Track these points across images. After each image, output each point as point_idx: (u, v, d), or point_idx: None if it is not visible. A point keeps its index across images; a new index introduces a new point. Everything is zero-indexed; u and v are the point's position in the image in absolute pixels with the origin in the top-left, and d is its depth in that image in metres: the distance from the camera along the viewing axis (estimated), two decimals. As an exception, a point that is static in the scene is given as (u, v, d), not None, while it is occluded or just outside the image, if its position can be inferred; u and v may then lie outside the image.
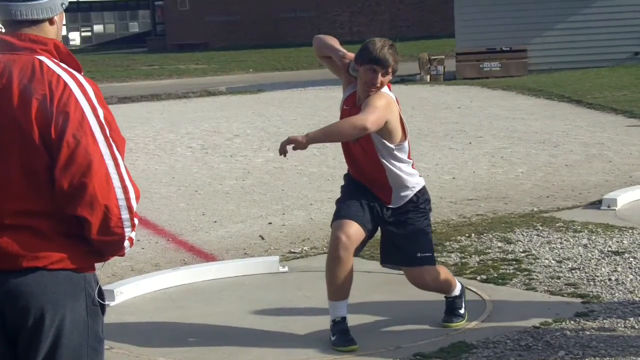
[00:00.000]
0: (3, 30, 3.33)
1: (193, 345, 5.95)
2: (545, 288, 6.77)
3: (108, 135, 3.21)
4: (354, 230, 5.72)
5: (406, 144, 5.91)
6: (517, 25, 25.16)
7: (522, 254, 7.68)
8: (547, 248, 7.82)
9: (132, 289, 7.06)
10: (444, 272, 6.10)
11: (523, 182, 11.08)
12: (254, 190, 11.26)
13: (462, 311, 6.13)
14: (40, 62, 3.21)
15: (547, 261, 7.43)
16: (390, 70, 5.74)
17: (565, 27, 25.25)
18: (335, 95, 21.91)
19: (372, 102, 5.66)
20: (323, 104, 20.59)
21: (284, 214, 9.95)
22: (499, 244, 8.04)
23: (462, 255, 7.77)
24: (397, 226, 5.89)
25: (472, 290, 6.76)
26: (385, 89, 5.83)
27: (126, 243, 3.30)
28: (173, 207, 10.55)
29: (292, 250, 8.42)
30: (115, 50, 55.12)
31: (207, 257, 8.43)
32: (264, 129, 16.73)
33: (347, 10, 48.73)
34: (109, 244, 3.26)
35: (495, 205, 9.86)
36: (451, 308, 6.14)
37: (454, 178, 11.48)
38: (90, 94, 3.22)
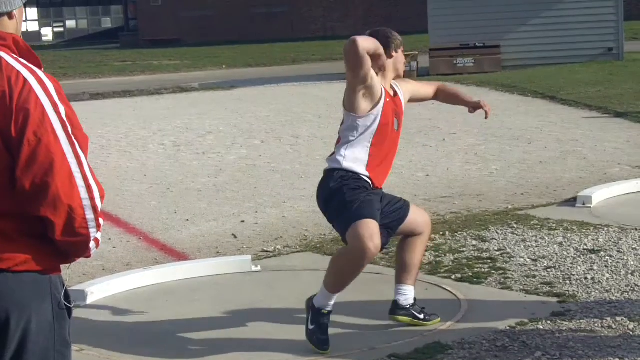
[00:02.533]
0: None
1: (164, 346, 5.85)
2: (521, 287, 6.70)
3: (70, 132, 3.11)
4: (379, 244, 5.58)
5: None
6: (491, 21, 25.14)
7: (497, 253, 7.62)
8: (522, 246, 7.76)
9: (102, 289, 6.95)
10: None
11: (497, 179, 11.03)
12: (227, 188, 11.16)
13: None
14: None
15: (522, 260, 7.38)
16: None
17: (539, 23, 25.24)
18: (307, 92, 21.86)
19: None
20: (296, 100, 20.48)
21: (256, 212, 9.85)
22: (474, 242, 7.97)
23: (437, 254, 7.70)
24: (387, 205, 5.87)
25: (447, 290, 6.70)
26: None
27: (92, 244, 3.20)
28: (145, 205, 10.43)
29: (265, 249, 8.33)
30: (88, 46, 54.82)
31: (179, 256, 8.33)
32: (236, 125, 16.61)
33: (320, 5, 48.68)
34: (74, 245, 3.16)
35: (470, 202, 9.81)
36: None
37: (427, 175, 11.43)
38: (51, 90, 3.11)
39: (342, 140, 5.89)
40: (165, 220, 9.65)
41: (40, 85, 3.09)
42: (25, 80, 3.08)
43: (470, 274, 7.07)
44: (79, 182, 3.09)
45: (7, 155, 3.04)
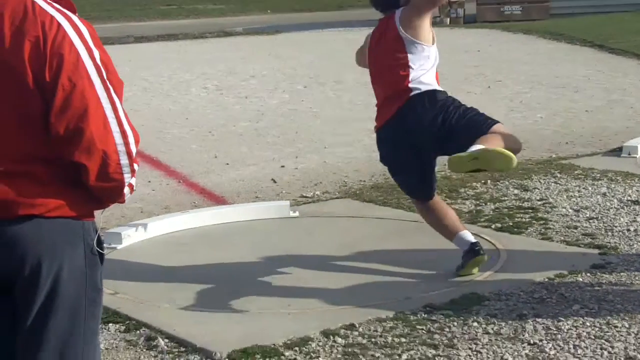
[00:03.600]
0: None
1: (199, 292, 5.81)
2: (562, 238, 6.60)
3: (105, 77, 3.05)
4: None
5: None
6: (540, -33, 24.75)
7: (539, 202, 7.50)
8: (565, 196, 7.64)
9: (140, 232, 6.93)
10: (432, 209, 6.09)
11: (542, 128, 10.87)
12: (268, 133, 11.09)
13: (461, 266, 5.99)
14: (33, 2, 3.04)
15: (564, 210, 7.26)
16: None
17: (589, -29, 24.83)
18: (352, 38, 21.65)
19: None
20: (340, 45, 20.29)
21: (297, 157, 9.79)
22: (516, 192, 7.86)
23: (477, 202, 7.60)
24: None
25: (486, 239, 6.59)
26: None
27: (126, 190, 3.15)
28: (185, 149, 10.40)
29: (304, 194, 8.27)
30: (134, -12, 54.70)
31: (218, 200, 8.29)
32: (279, 70, 16.51)
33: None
34: (108, 190, 3.11)
35: (513, 151, 9.65)
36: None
37: (471, 122, 11.26)
38: (86, 35, 3.05)
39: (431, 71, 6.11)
40: (206, 164, 9.61)
41: (75, 29, 3.03)
42: (59, 24, 3.01)
43: (511, 224, 6.97)
44: (114, 127, 3.04)
45: (42, 100, 3.00)
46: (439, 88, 6.00)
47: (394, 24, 5.92)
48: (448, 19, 25.12)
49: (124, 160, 3.06)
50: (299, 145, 10.35)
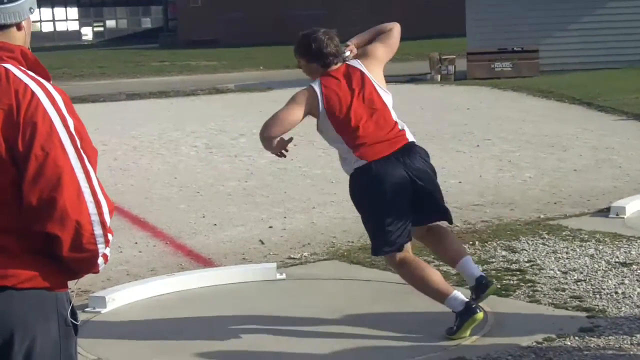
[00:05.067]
0: None
1: (182, 357, 5.76)
2: (550, 301, 6.55)
3: (79, 146, 3.02)
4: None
5: (324, 132, 6.09)
6: (529, 25, 24.93)
7: (527, 264, 7.47)
8: (553, 258, 7.61)
9: (124, 295, 6.88)
10: (422, 277, 5.92)
11: (530, 187, 10.86)
12: (256, 192, 11.07)
13: (454, 327, 5.88)
14: (6, 70, 3.02)
15: (552, 272, 7.22)
16: (299, 56, 6.11)
17: (578, 28, 25.01)
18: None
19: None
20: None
21: (285, 217, 9.76)
22: (503, 253, 7.83)
23: (465, 264, 7.55)
24: None
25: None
26: (313, 82, 6.02)
27: (100, 260, 3.11)
28: (173, 209, 10.37)
29: (292, 255, 8.23)
30: (128, 45, 55.06)
31: (205, 262, 8.25)
32: (270, 128, 16.50)
33: (357, 8, 48.55)
34: (82, 261, 3.07)
35: (501, 211, 9.65)
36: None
37: (460, 182, 11.28)
38: (60, 103, 3.03)
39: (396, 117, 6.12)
40: (193, 225, 9.57)
41: (49, 98, 3.02)
42: (32, 93, 3.00)
43: (499, 286, 6.91)
44: (87, 197, 3.01)
45: (14, 169, 2.97)
46: None
47: (368, 78, 6.01)
48: (439, 76, 25.24)
49: (98, 230, 3.03)
50: (287, 205, 10.32)
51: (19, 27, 3.14)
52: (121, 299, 6.82)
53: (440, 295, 5.92)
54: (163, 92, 24.50)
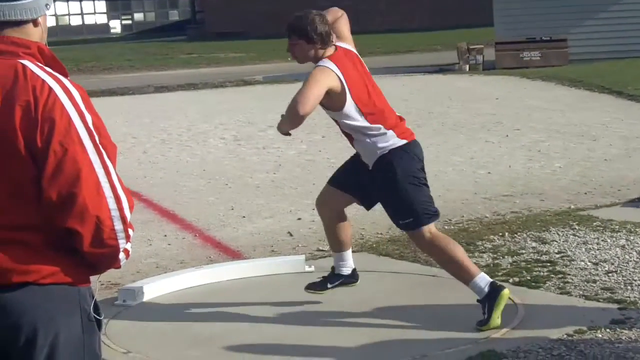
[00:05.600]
0: None
1: (211, 349, 5.77)
2: (580, 292, 6.50)
3: (97, 142, 3.02)
4: (328, 193, 6.48)
5: (345, 112, 5.93)
6: (557, 14, 24.75)
7: (557, 255, 7.41)
8: (584, 249, 7.55)
9: (153, 288, 6.88)
10: (452, 250, 5.94)
11: (560, 178, 10.79)
12: (285, 184, 11.06)
13: (484, 316, 5.86)
14: (24, 66, 3.02)
15: (582, 263, 7.16)
16: (295, 37, 6.01)
17: (607, 17, 24.81)
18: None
19: (305, 81, 5.89)
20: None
21: (313, 209, 9.66)
22: (533, 244, 7.77)
23: (495, 256, 7.51)
24: (375, 189, 6.10)
25: (503, 294, 6.50)
26: (324, 61, 5.93)
27: (121, 255, 3.11)
28: (202, 201, 10.37)
29: (321, 247, 8.20)
30: (156, 38, 55.15)
31: (233, 254, 8.24)
32: (298, 120, 16.48)
33: (385, -1, 48.43)
34: (102, 256, 3.07)
35: (531, 201, 9.59)
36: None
37: (489, 173, 11.22)
38: (77, 99, 3.03)
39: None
40: (222, 217, 9.57)
41: (66, 93, 3.01)
42: (50, 89, 2.99)
43: (529, 278, 6.88)
44: (107, 192, 3.01)
45: (33, 166, 2.97)
46: None
47: (362, 61, 6.20)
48: (467, 66, 25.13)
49: (118, 225, 3.03)
50: (315, 197, 10.26)
51: (35, 23, 3.14)
52: (150, 291, 6.83)
53: (467, 274, 5.92)
54: (191, 84, 24.52)
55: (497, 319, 5.82)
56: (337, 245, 6.48)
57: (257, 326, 6.18)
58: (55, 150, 2.94)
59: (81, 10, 69.28)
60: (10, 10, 3.08)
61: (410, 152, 6.01)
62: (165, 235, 8.92)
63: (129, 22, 70.63)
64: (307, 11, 6.11)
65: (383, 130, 5.96)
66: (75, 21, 69.28)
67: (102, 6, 70.08)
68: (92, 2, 69.56)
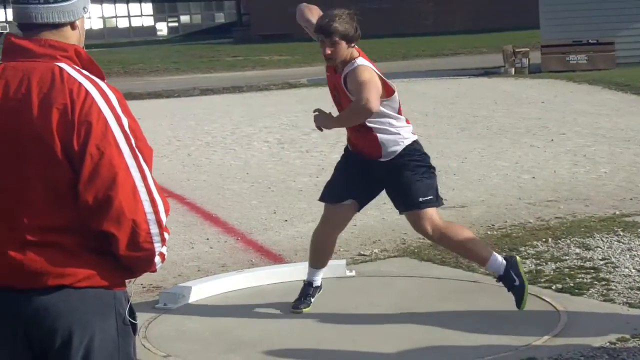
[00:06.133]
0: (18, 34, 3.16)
1: (250, 354, 5.76)
2: (624, 300, 6.43)
3: (134, 145, 3.03)
4: (336, 213, 6.49)
5: (392, 99, 6.18)
6: (605, 17, 24.53)
7: (601, 262, 7.33)
8: (628, 255, 7.46)
9: (194, 291, 6.89)
10: (460, 232, 6.25)
11: (606, 183, 10.68)
12: (328, 188, 11.02)
13: (516, 283, 6.10)
14: (61, 69, 3.03)
15: (627, 270, 7.08)
16: (336, 38, 6.00)
17: (656, 19, 24.58)
18: (416, 88, 21.66)
19: (360, 81, 5.94)
20: (404, 96, 20.24)
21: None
22: (577, 250, 7.70)
23: (538, 262, 7.45)
24: (391, 175, 6.22)
25: (546, 301, 6.45)
26: (360, 59, 6.06)
27: (157, 259, 3.11)
28: (245, 205, 10.39)
29: (362, 252, 8.18)
30: (202, 40, 55.39)
31: (275, 258, 8.24)
32: (342, 123, 16.46)
33: (430, 0, 48.28)
34: (138, 260, 3.08)
35: (576, 207, 9.50)
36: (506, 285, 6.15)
37: (533, 177, 11.13)
38: (114, 102, 3.03)
39: None
40: (264, 221, 9.58)
41: (103, 97, 3.02)
42: (87, 92, 3.00)
43: (572, 284, 6.81)
44: (143, 195, 3.02)
45: (70, 169, 2.98)
46: None
47: None
48: (513, 69, 24.98)
49: (154, 229, 3.03)
50: (358, 201, 10.25)
51: (72, 26, 3.15)
52: (191, 295, 6.83)
53: (482, 256, 6.21)
54: (236, 87, 24.61)
55: (525, 279, 6.14)
56: (320, 263, 6.65)
57: (296, 331, 6.17)
58: (92, 153, 2.95)
59: (128, 12, 69.76)
60: (49, 13, 3.09)
61: (420, 145, 6.42)
62: (208, 239, 8.95)
63: (176, 24, 71.00)
64: (338, 11, 6.14)
65: (405, 122, 6.27)
66: (122, 23, 69.78)
67: (148, 8, 70.48)
68: (139, 4, 70.00)
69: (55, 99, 2.97)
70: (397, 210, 6.46)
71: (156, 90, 24.72)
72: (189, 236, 9.02)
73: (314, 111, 6.29)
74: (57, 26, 3.10)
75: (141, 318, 6.32)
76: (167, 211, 3.06)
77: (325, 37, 6.03)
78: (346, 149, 6.49)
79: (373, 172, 6.28)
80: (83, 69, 3.08)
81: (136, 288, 7.24)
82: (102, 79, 3.10)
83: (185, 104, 21.58)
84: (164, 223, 3.05)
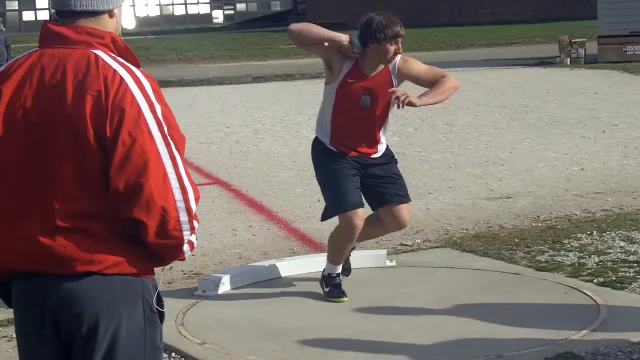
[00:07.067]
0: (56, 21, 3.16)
1: (286, 343, 5.74)
2: (667, 295, 6.32)
3: (166, 132, 3.01)
4: (363, 214, 6.41)
5: None
6: (664, 7, 24.20)
7: (645, 256, 7.22)
8: (673, 250, 7.34)
9: (233, 279, 6.88)
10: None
11: (656, 176, 10.52)
12: (373, 177, 10.97)
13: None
14: (96, 56, 3.03)
15: (671, 264, 6.96)
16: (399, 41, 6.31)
17: None
18: (469, 78, 21.51)
19: (429, 67, 6.50)
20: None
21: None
22: (622, 244, 7.59)
23: (581, 255, 7.35)
24: (383, 171, 6.47)
25: (586, 295, 6.36)
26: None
27: (186, 247, 3.10)
28: (289, 193, 10.37)
29: (404, 242, 8.13)
30: (257, 28, 55.53)
31: (316, 247, 8.22)
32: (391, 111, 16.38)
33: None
34: (167, 247, 3.06)
35: (623, 199, 9.36)
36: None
37: (582, 169, 10.99)
38: (148, 89, 3.02)
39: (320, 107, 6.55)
40: (308, 209, 9.55)
41: (137, 84, 3.01)
42: (121, 79, 3.00)
43: (614, 278, 6.71)
44: (174, 183, 3.00)
45: (102, 155, 2.97)
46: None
47: None
48: (568, 59, 24.74)
49: (184, 217, 3.02)
50: (403, 190, 10.19)
51: (110, 14, 3.14)
52: (230, 282, 6.83)
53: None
54: (289, 74, 24.63)
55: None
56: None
57: (334, 320, 6.15)
58: (124, 140, 2.94)
59: (185, -1, 70.14)
60: (87, 0, 3.08)
61: None
62: (251, 226, 8.94)
63: (232, 12, 71.21)
64: (387, 14, 6.40)
65: None
66: (179, 11, 70.12)
67: (206, -4, 70.84)
68: (195, -8, 70.34)
69: (90, 85, 2.97)
70: (379, 205, 6.52)
71: (209, 77, 24.82)
72: (232, 223, 9.03)
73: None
74: (95, 14, 3.10)
75: (179, 305, 6.39)
76: (197, 199, 3.05)
77: (398, 39, 6.23)
78: (337, 155, 6.43)
79: (363, 170, 6.44)
80: (119, 56, 3.08)
81: (177, 274, 7.27)
82: (138, 66, 3.09)
83: (237, 91, 21.64)
84: (193, 211, 3.03)
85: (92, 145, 2.97)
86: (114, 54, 3.09)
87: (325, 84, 6.54)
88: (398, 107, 6.16)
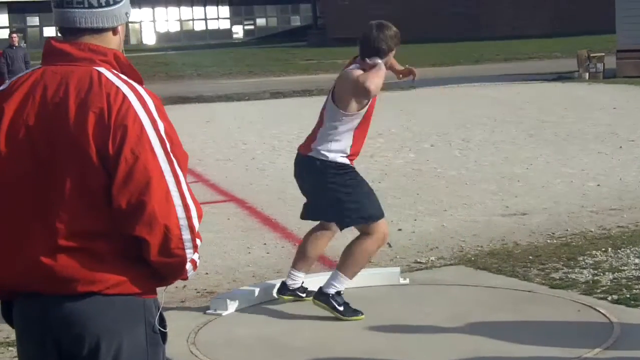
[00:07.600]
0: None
1: (297, 363, 5.74)
2: (681, 313, 6.28)
3: (169, 150, 3.01)
4: None
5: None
6: (682, 21, 24.11)
7: (661, 273, 7.18)
8: (689, 267, 7.29)
9: (245, 298, 6.88)
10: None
11: (673, 192, 10.46)
12: (389, 194, 10.96)
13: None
14: (99, 73, 3.03)
15: (686, 282, 6.92)
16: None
17: None
18: (486, 93, 21.51)
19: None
20: (473, 101, 20.10)
21: (415, 219, 9.64)
22: (636, 261, 7.54)
23: (595, 272, 7.31)
24: None
25: (600, 312, 6.33)
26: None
27: (188, 265, 3.08)
28: (305, 210, 10.34)
29: (418, 259, 8.11)
30: (277, 43, 55.63)
31: (331, 264, 8.19)
32: (408, 128, 16.41)
33: (508, 5, 47.90)
34: (169, 266, 3.05)
35: (639, 216, 9.31)
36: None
37: (598, 185, 10.95)
38: (151, 106, 3.02)
39: (326, 131, 6.75)
40: (323, 226, 9.52)
41: (140, 101, 3.01)
42: (124, 96, 3.00)
43: (628, 296, 6.67)
44: (176, 201, 2.99)
45: (104, 173, 2.97)
46: None
47: None
48: (587, 74, 24.67)
49: (186, 235, 3.01)
50: (419, 207, 10.20)
51: (114, 31, 3.14)
52: (242, 301, 6.82)
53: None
54: (307, 90, 24.65)
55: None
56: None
57: (346, 339, 6.13)
58: (127, 157, 2.93)
59: (205, 15, 70.32)
60: (92, 17, 3.08)
61: None
62: (265, 244, 8.94)
63: (252, 27, 71.39)
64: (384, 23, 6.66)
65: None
66: (199, 26, 70.34)
67: (225, 11, 70.93)
68: (216, 7, 70.52)
69: (92, 103, 2.97)
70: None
71: (228, 93, 24.87)
72: (247, 241, 9.03)
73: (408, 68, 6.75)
74: (99, 31, 3.10)
75: (191, 324, 6.39)
76: (199, 217, 3.04)
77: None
78: (353, 168, 6.87)
79: None
80: (122, 73, 3.07)
81: (190, 293, 7.28)
82: (141, 83, 3.09)
83: (255, 107, 21.67)
84: (196, 229, 3.02)
85: (94, 163, 2.96)
86: (117, 71, 3.08)
87: (347, 115, 6.59)
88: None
